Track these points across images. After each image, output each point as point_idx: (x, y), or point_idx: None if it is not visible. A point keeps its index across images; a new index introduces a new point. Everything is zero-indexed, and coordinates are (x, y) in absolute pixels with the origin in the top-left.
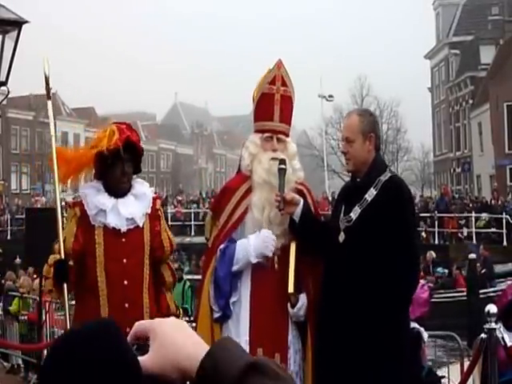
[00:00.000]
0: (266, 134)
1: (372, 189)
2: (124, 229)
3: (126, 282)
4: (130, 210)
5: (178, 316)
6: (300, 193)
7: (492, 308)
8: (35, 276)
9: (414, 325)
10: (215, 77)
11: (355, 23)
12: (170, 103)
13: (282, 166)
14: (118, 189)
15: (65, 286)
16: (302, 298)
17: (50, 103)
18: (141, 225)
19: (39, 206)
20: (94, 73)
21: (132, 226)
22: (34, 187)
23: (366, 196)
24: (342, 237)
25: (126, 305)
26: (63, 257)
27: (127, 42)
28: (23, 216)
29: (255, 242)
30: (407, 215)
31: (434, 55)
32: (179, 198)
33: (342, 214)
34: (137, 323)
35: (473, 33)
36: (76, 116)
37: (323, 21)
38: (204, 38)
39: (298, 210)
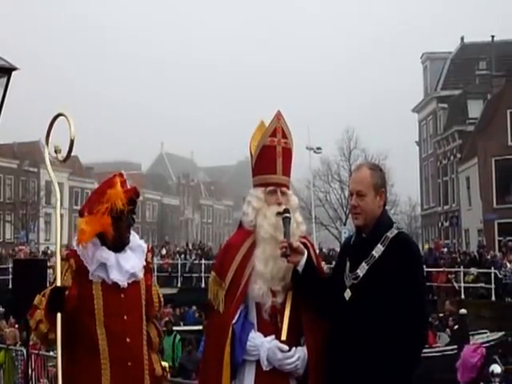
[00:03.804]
0: (270, 188)
1: (379, 245)
2: (124, 284)
3: (128, 340)
4: (131, 263)
5: (164, 377)
6: (303, 245)
7: (496, 368)
8: (16, 326)
9: None
10: (201, 127)
11: (343, 75)
12: (156, 153)
13: (287, 215)
14: (122, 243)
15: (59, 316)
16: (300, 351)
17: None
18: (139, 279)
19: (22, 255)
20: (78, 121)
21: (130, 281)
22: (18, 236)
23: (373, 252)
24: (348, 294)
25: (129, 363)
26: (59, 285)
27: (112, 89)
28: (6, 266)
29: (271, 357)
30: (417, 273)
31: (421, 109)
32: (164, 252)
33: (347, 270)
34: None
35: (461, 87)
36: (59, 165)
37: (310, 73)
38: (188, 87)
39: (303, 260)
